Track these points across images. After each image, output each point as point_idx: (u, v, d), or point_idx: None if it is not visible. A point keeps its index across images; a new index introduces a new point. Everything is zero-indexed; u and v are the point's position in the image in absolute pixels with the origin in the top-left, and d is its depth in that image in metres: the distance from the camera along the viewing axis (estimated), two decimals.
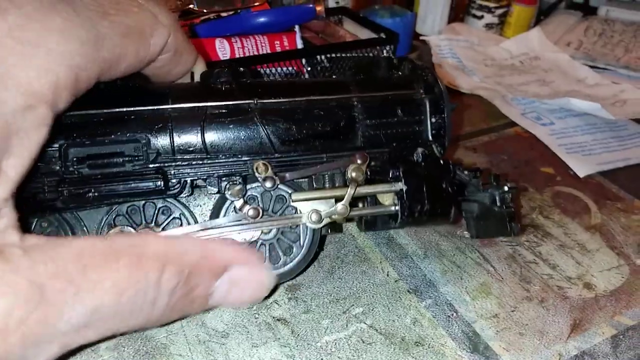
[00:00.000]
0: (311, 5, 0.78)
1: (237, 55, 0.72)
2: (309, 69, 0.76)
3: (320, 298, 0.47)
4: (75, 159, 0.37)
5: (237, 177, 0.40)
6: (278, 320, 0.45)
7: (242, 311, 0.46)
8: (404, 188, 0.43)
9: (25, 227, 0.33)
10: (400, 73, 0.51)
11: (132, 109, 0.39)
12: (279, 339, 0.43)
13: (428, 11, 1.12)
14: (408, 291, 0.48)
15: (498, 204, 0.48)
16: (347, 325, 0.45)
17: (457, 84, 0.90)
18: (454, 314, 0.46)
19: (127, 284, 0.28)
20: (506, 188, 0.47)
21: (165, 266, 0.29)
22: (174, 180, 0.39)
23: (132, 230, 0.39)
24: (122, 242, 0.30)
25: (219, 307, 0.42)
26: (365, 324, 0.45)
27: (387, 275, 0.50)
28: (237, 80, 0.43)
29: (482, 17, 1.13)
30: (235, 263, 0.33)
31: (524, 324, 0.46)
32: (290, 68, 0.74)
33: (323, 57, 0.76)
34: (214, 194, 0.40)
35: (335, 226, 0.46)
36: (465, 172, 0.48)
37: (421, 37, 1.08)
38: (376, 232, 0.55)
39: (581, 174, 0.68)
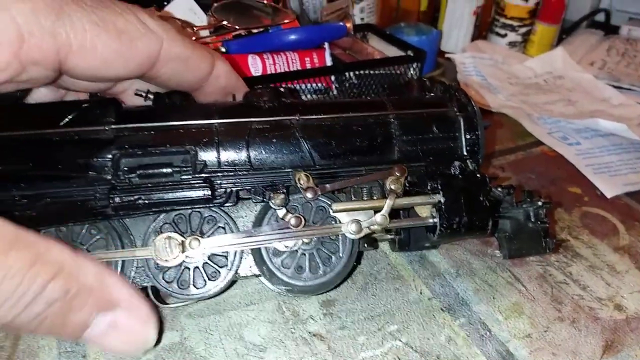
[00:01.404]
0: (342, 23, 0.79)
1: (268, 71, 0.74)
2: (337, 85, 0.78)
3: (355, 314, 0.48)
4: (126, 168, 0.39)
5: (281, 187, 0.41)
6: (314, 335, 0.46)
7: (278, 325, 0.47)
8: (442, 200, 0.44)
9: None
10: (432, 94, 0.52)
11: (180, 123, 0.41)
12: (316, 354, 0.44)
13: (452, 29, 1.13)
14: (441, 309, 0.49)
15: (532, 219, 0.49)
16: (382, 343, 0.45)
17: (483, 102, 0.90)
18: (488, 333, 0.47)
19: (12, 274, 0.28)
20: (540, 203, 0.48)
21: (56, 275, 0.30)
22: (220, 190, 0.40)
23: (178, 237, 0.40)
24: (30, 237, 0.30)
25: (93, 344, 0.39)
26: (401, 341, 0.45)
27: (421, 293, 0.51)
28: (278, 99, 0.45)
29: (505, 35, 1.14)
30: (124, 307, 0.33)
31: (557, 344, 0.46)
32: (319, 84, 0.75)
33: (352, 73, 0.77)
34: (259, 202, 0.42)
35: (371, 242, 0.47)
36: (499, 189, 0.49)
37: (446, 55, 1.09)
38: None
39: (608, 194, 0.68)
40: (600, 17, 1.26)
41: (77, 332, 0.32)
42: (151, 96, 0.45)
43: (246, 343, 0.45)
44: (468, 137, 0.48)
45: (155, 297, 0.43)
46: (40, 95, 0.42)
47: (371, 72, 0.76)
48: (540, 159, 0.77)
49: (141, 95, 0.45)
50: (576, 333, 0.47)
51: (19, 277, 0.29)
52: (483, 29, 1.18)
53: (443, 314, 0.49)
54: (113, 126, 0.39)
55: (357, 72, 0.76)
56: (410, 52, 0.81)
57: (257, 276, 0.43)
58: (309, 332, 0.46)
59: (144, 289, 0.41)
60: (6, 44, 0.30)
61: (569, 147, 0.78)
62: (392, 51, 0.84)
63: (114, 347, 0.34)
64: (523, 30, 1.13)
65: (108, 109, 0.40)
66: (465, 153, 0.48)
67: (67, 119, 0.39)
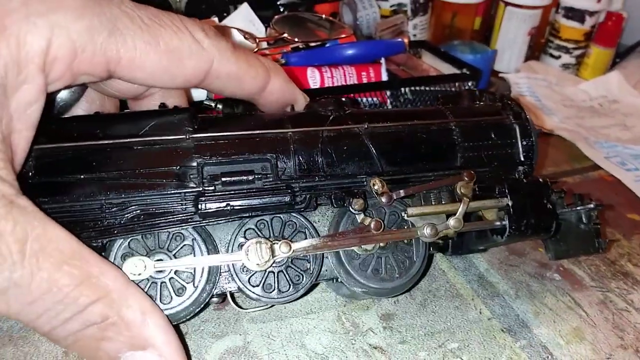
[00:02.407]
0: (401, 39, 0.80)
1: (326, 84, 0.75)
2: (392, 100, 0.78)
3: (415, 330, 0.48)
4: (209, 176, 0.40)
5: (360, 193, 0.42)
6: (375, 348, 0.46)
7: (339, 335, 0.47)
8: (510, 203, 0.46)
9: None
10: (482, 103, 0.54)
11: (257, 132, 0.42)
12: None
13: (505, 48, 1.12)
14: (502, 330, 0.49)
15: (585, 221, 0.51)
16: (444, 359, 0.45)
17: (537, 123, 0.90)
18: (550, 357, 0.46)
19: (59, 288, 0.30)
20: (592, 205, 0.50)
21: (100, 299, 0.31)
22: (300, 197, 0.41)
23: (268, 242, 0.40)
24: (89, 256, 0.32)
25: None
26: (462, 359, 0.45)
27: (480, 312, 0.51)
28: (342, 108, 0.47)
29: (559, 57, 1.13)
30: (158, 350, 0.33)
31: None
32: (374, 99, 0.76)
33: (407, 89, 0.77)
34: (339, 207, 0.42)
35: (440, 247, 0.50)
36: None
37: (499, 74, 1.08)
38: (467, 269, 0.56)
39: None
40: None
41: None
42: (220, 106, 0.46)
43: (308, 351, 0.45)
44: (524, 143, 0.50)
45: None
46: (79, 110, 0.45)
47: (426, 88, 0.77)
48: (598, 184, 0.76)
49: (210, 107, 0.46)
50: None
51: (64, 292, 0.30)
52: (536, 49, 1.17)
53: (503, 334, 0.48)
54: (194, 135, 0.41)
55: (412, 88, 0.77)
56: (465, 70, 0.81)
57: (333, 280, 0.44)
58: (370, 345, 0.46)
59: (221, 295, 0.42)
60: (61, 58, 0.33)
61: (627, 172, 0.77)
62: (446, 68, 0.84)
63: None
64: (577, 52, 1.12)
65: (185, 117, 0.41)
66: (522, 159, 0.50)
67: (146, 128, 0.40)
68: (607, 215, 0.68)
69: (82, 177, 0.38)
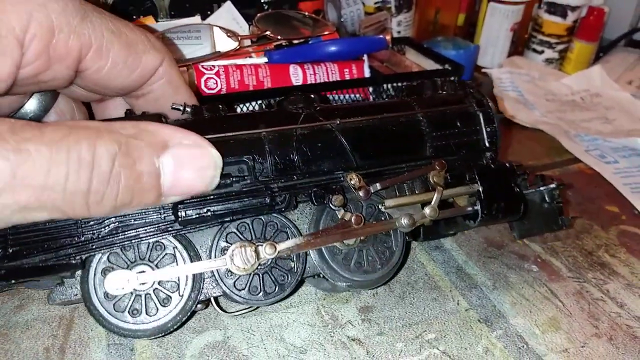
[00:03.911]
0: (382, 36, 0.80)
1: (309, 81, 0.75)
2: (374, 96, 0.79)
3: (393, 321, 0.49)
4: None
5: (338, 189, 0.43)
6: (353, 340, 0.47)
7: (318, 328, 0.48)
8: (481, 189, 0.48)
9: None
10: (444, 93, 0.55)
11: (230, 134, 0.42)
12: (355, 358, 0.45)
13: (488, 44, 1.13)
14: (479, 320, 0.50)
15: (548, 200, 0.54)
16: (420, 350, 0.46)
17: (519, 117, 0.91)
18: (525, 346, 0.47)
19: (55, 154, 0.29)
20: (554, 185, 0.54)
21: (98, 137, 0.31)
22: (279, 197, 0.42)
23: (252, 245, 0.40)
24: (59, 127, 0.31)
25: (183, 196, 0.38)
26: (438, 349, 0.46)
27: (458, 303, 0.51)
28: (311, 106, 0.47)
29: (542, 52, 1.14)
30: (174, 139, 0.34)
31: None
32: (357, 95, 0.76)
33: (389, 85, 0.78)
34: (319, 204, 0.43)
35: (413, 235, 0.51)
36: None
37: (482, 70, 1.09)
38: (446, 262, 0.57)
39: None
40: (639, 36, 1.25)
41: (155, 182, 0.34)
42: (189, 109, 0.46)
43: (287, 344, 0.46)
44: (488, 129, 0.51)
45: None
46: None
47: (409, 84, 0.77)
48: (577, 176, 0.77)
49: (179, 109, 0.46)
50: (614, 350, 0.47)
51: (64, 150, 0.29)
52: (519, 45, 1.18)
53: (480, 325, 0.49)
54: None
55: (395, 84, 0.77)
56: (447, 66, 0.82)
57: (317, 276, 0.45)
58: (348, 337, 0.47)
59: (206, 300, 0.42)
60: (40, 37, 0.33)
61: (607, 165, 0.78)
62: (429, 64, 0.85)
63: (192, 180, 0.36)
64: (560, 47, 1.13)
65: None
66: (487, 145, 0.51)
67: None
68: (586, 208, 0.69)
69: None
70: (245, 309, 0.47)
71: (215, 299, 0.45)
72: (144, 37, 0.41)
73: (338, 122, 0.46)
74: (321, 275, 0.45)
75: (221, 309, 0.46)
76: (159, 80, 0.44)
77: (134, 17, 0.85)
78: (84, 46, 0.36)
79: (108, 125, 0.32)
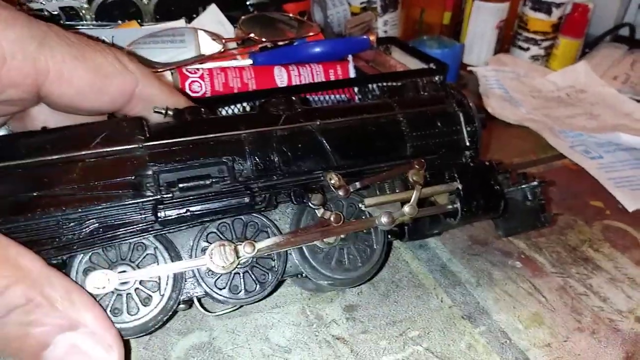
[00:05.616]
0: (365, 37, 0.81)
1: (293, 83, 0.75)
2: (359, 96, 0.79)
3: (377, 320, 0.49)
4: (166, 183, 0.40)
5: (318, 188, 0.43)
6: (337, 339, 0.47)
7: (303, 328, 0.48)
8: (460, 187, 0.48)
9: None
10: (426, 93, 0.55)
11: (210, 135, 0.43)
12: (339, 357, 0.45)
13: (474, 42, 1.14)
14: (462, 317, 0.50)
15: (530, 198, 0.54)
16: (404, 347, 0.46)
17: (504, 114, 0.91)
18: (508, 342, 0.48)
19: None
20: (536, 183, 0.54)
21: (20, 281, 0.30)
22: (259, 197, 0.42)
23: (231, 244, 0.40)
24: (2, 241, 0.30)
25: None
26: (422, 346, 0.47)
27: (441, 301, 0.52)
28: (292, 107, 0.48)
29: (528, 49, 1.15)
30: (89, 329, 0.32)
31: (577, 354, 0.47)
32: (342, 95, 0.77)
33: (375, 85, 0.78)
34: (299, 203, 0.43)
35: (397, 234, 0.51)
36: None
37: (468, 68, 1.10)
38: (430, 260, 0.57)
39: (630, 208, 0.68)
40: (625, 31, 1.27)
41: (37, 349, 0.31)
42: (171, 112, 0.46)
43: (272, 344, 0.46)
44: (468, 129, 0.52)
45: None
46: None
47: (393, 84, 0.78)
48: (562, 172, 0.78)
49: (161, 112, 0.46)
50: (596, 344, 0.48)
51: None
52: (505, 42, 1.19)
53: (463, 321, 0.50)
54: (146, 143, 0.41)
55: (379, 84, 0.78)
56: (432, 65, 0.82)
57: (299, 275, 0.45)
58: (332, 336, 0.47)
59: (188, 300, 0.42)
60: None
61: (591, 160, 0.79)
62: (415, 64, 0.85)
63: None
64: (546, 44, 1.14)
65: (136, 127, 0.41)
66: (467, 144, 0.52)
67: (97, 140, 0.40)
68: (571, 203, 0.70)
69: (34, 194, 0.37)
70: (229, 308, 0.48)
71: (199, 300, 0.45)
72: (113, 60, 0.41)
73: (318, 123, 0.46)
74: (303, 275, 0.45)
75: (205, 309, 0.47)
76: (140, 103, 0.44)
77: (119, 21, 0.85)
78: (41, 72, 0.36)
79: (41, 272, 0.31)
